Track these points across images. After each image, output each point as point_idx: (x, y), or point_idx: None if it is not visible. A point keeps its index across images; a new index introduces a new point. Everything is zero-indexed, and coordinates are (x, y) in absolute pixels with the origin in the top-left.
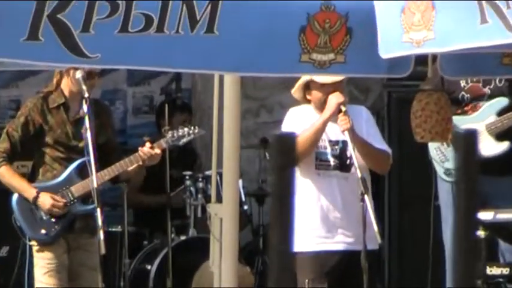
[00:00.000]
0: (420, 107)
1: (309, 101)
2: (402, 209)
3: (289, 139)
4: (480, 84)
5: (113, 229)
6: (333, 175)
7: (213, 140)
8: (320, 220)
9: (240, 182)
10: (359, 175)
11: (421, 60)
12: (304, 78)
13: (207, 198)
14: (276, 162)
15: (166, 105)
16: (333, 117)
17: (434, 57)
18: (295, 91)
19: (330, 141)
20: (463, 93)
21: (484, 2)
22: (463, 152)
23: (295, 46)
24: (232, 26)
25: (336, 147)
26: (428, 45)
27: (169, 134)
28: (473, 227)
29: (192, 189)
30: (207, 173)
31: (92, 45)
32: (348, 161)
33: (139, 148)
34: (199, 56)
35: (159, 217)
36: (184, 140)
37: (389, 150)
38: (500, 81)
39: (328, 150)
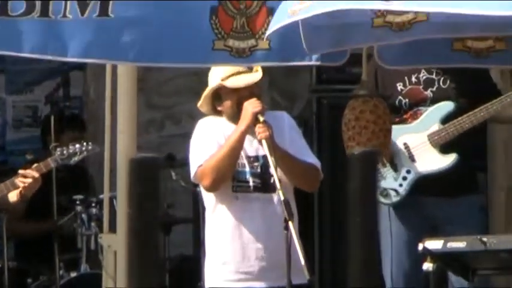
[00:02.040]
0: (354, 116)
1: (220, 113)
2: (336, 237)
3: (152, 163)
4: (421, 87)
5: None
6: (254, 198)
7: (105, 156)
8: (239, 252)
9: None
10: (281, 197)
11: (356, 60)
12: (212, 86)
13: (102, 227)
14: (136, 191)
15: (53, 118)
16: (251, 128)
17: (370, 56)
18: (202, 104)
19: (249, 157)
20: (400, 97)
21: None
22: (360, 178)
23: (207, 31)
24: (131, 7)
25: (256, 164)
26: (300, 14)
27: (58, 152)
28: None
29: (84, 216)
30: (102, 196)
31: None
32: (272, 180)
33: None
34: (90, 43)
35: (45, 250)
36: (76, 158)
37: (318, 163)
38: (444, 82)
39: (247, 168)
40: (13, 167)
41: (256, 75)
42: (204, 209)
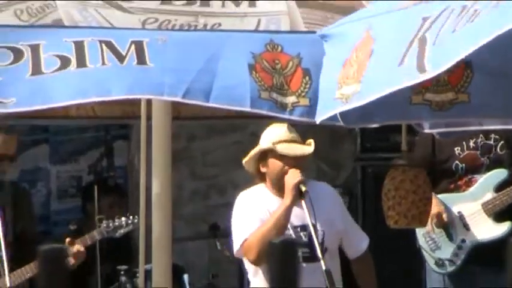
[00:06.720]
0: (393, 186)
1: (261, 175)
2: None
3: (58, 253)
4: (478, 153)
5: None
6: (305, 270)
7: (140, 227)
8: None
9: (186, 277)
10: (323, 267)
11: (399, 129)
12: (262, 146)
13: None
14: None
15: (96, 187)
16: (296, 201)
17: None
18: (248, 161)
19: (295, 227)
20: (457, 162)
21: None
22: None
23: (251, 82)
24: (169, 60)
25: (304, 233)
26: (354, 99)
27: (104, 224)
28: None
29: (129, 286)
30: (147, 266)
31: (4, 91)
32: (320, 248)
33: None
34: (134, 82)
35: None
36: (122, 231)
37: (367, 241)
38: (502, 148)
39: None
40: (57, 237)
41: (308, 149)
42: (248, 281)
